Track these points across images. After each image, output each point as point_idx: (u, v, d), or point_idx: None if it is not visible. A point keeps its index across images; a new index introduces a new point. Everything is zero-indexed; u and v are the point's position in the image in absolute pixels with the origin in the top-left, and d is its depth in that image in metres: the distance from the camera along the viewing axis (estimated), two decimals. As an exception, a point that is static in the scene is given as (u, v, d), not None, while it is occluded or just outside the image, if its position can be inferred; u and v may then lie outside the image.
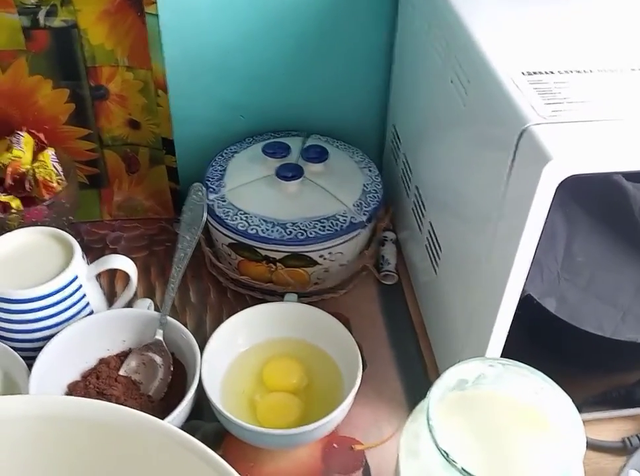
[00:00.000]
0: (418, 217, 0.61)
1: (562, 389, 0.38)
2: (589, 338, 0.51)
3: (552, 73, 0.42)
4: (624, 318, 0.56)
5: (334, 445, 0.53)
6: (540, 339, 0.52)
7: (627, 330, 0.55)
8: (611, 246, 0.62)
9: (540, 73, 0.42)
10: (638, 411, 0.54)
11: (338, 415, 0.49)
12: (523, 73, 0.42)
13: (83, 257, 0.54)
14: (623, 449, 0.52)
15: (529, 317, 0.46)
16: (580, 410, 0.37)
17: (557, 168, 0.36)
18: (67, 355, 0.52)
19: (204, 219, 0.56)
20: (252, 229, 0.59)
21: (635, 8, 0.50)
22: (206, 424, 0.53)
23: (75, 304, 0.53)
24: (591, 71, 0.42)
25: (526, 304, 0.46)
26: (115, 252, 0.69)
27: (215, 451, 0.36)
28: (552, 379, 0.38)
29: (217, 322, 0.58)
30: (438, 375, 0.57)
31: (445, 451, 0.34)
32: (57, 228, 0.56)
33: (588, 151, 0.36)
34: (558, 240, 0.57)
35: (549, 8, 0.50)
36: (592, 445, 0.52)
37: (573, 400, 0.37)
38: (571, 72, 0.42)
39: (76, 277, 0.53)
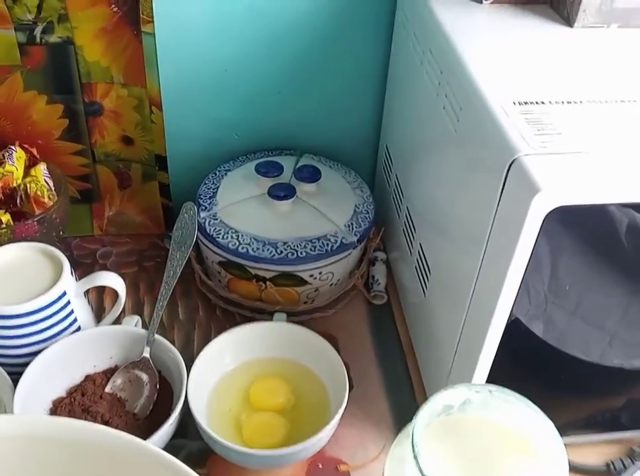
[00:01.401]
0: (408, 238, 0.62)
1: (548, 412, 0.38)
2: (576, 362, 0.51)
3: (542, 103, 0.43)
4: (611, 343, 0.56)
5: (319, 465, 0.53)
6: (526, 362, 0.52)
7: (614, 355, 0.55)
8: (598, 270, 0.63)
9: (531, 103, 0.43)
10: (623, 435, 0.54)
11: (324, 436, 0.49)
12: (514, 103, 0.43)
13: (72, 273, 0.54)
14: (607, 473, 0.52)
15: (516, 340, 0.46)
16: (565, 434, 0.37)
17: (546, 199, 0.36)
18: (53, 371, 0.52)
19: (194, 238, 0.56)
20: (242, 248, 0.59)
21: (625, 40, 0.51)
22: (191, 442, 0.53)
23: (62, 320, 0.53)
24: (581, 102, 0.43)
25: (513, 327, 0.46)
26: (105, 267, 0.69)
27: (200, 470, 0.36)
28: (537, 402, 0.39)
29: (206, 339, 0.58)
30: (425, 396, 0.58)
31: (429, 478, 0.34)
32: (47, 243, 0.56)
33: (577, 183, 0.37)
34: (544, 263, 0.57)
35: (540, 39, 0.51)
36: (576, 469, 0.52)
37: (558, 423, 0.37)
38: (561, 103, 0.43)
39: (64, 294, 0.53)
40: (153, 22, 0.59)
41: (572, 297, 0.60)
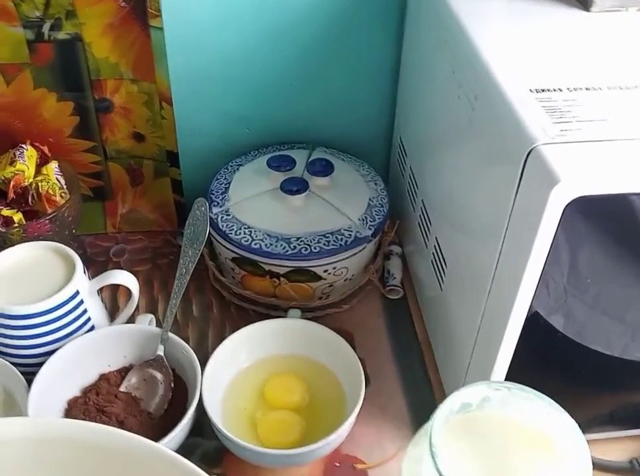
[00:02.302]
0: (423, 231, 0.61)
1: (569, 408, 0.37)
2: (597, 356, 0.50)
3: (560, 90, 0.41)
4: (633, 337, 0.55)
5: (336, 463, 0.53)
6: (546, 357, 0.51)
7: (636, 349, 0.53)
8: (617, 261, 0.61)
9: (548, 90, 0.41)
10: (647, 432, 0.53)
11: (340, 434, 0.48)
12: (531, 90, 0.41)
13: (85, 272, 0.54)
14: (631, 470, 0.51)
15: (535, 335, 0.45)
16: (587, 430, 0.36)
17: (565, 190, 0.35)
18: (67, 371, 0.52)
19: (206, 235, 0.55)
20: (255, 244, 0.58)
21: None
22: (206, 441, 0.53)
23: (76, 319, 0.53)
24: (600, 89, 0.42)
25: (533, 321, 0.45)
26: (118, 265, 0.68)
27: (216, 470, 0.35)
28: (558, 398, 0.38)
29: (220, 337, 0.57)
30: (443, 393, 0.57)
31: (447, 479, 0.33)
32: (60, 241, 0.55)
33: (597, 173, 0.36)
34: (562, 254, 0.56)
35: (557, 24, 0.50)
36: (598, 466, 0.51)
37: (580, 420, 0.36)
38: (580, 89, 0.41)
39: (77, 293, 0.52)
40: (160, 16, 0.58)
41: (592, 290, 0.59)
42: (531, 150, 0.37)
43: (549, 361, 0.51)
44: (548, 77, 0.43)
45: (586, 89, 0.42)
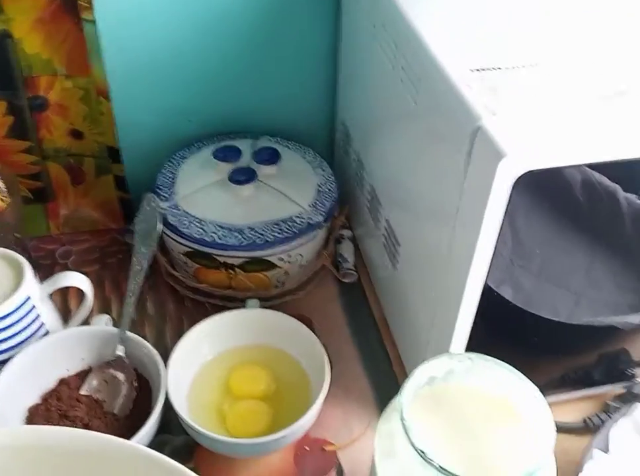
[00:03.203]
0: (374, 214, 0.62)
1: (525, 374, 0.39)
2: (546, 323, 0.52)
3: (499, 69, 0.43)
4: (578, 302, 0.58)
5: (306, 447, 0.53)
6: (501, 327, 0.53)
7: (582, 313, 0.56)
8: (558, 231, 0.64)
9: (488, 69, 0.43)
10: (597, 391, 0.56)
11: (308, 419, 0.49)
12: (471, 70, 0.43)
13: (34, 276, 0.52)
14: (585, 428, 0.54)
15: (488, 307, 0.47)
16: (542, 394, 0.38)
17: (512, 164, 0.36)
18: (25, 378, 0.50)
19: (159, 230, 0.55)
20: (208, 237, 0.58)
21: (574, 1, 0.52)
22: (175, 437, 0.53)
23: (29, 326, 0.51)
24: (538, 65, 0.43)
25: (485, 294, 0.47)
26: (65, 267, 0.67)
27: (187, 464, 0.35)
28: (514, 365, 0.39)
29: (178, 332, 0.57)
30: (403, 370, 0.58)
31: (422, 451, 0.35)
32: (4, 247, 0.53)
33: (541, 146, 0.37)
34: (505, 226, 0.58)
35: (491, 4, 0.51)
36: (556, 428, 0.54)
37: (536, 385, 0.38)
38: (519, 67, 0.43)
39: (28, 298, 0.51)
40: (92, 8, 0.57)
41: (537, 259, 0.61)
42: (476, 128, 0.39)
43: (504, 332, 0.53)
44: (486, 56, 0.44)
45: (523, 66, 0.43)
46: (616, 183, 0.62)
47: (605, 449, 0.49)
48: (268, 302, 0.61)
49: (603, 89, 0.41)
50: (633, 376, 0.55)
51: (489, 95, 0.41)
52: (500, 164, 0.37)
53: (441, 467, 0.34)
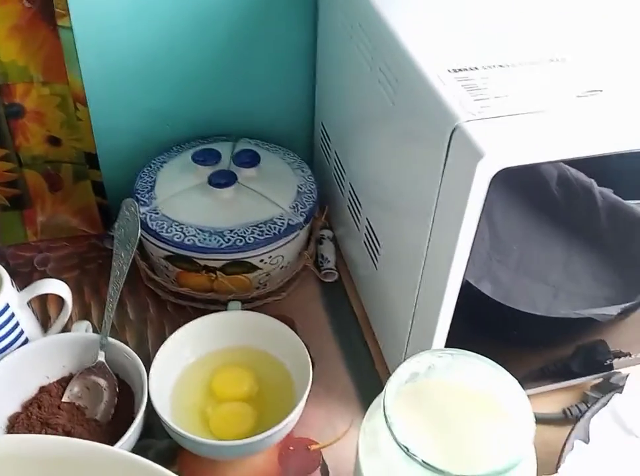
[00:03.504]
0: (354, 214, 0.62)
1: (505, 368, 0.39)
2: (525, 317, 0.53)
3: (477, 69, 0.43)
4: (556, 295, 0.59)
5: (290, 447, 0.53)
6: (480, 322, 0.54)
7: (560, 306, 0.57)
8: (535, 226, 0.65)
9: (465, 69, 0.43)
10: (575, 382, 0.57)
11: (292, 419, 0.49)
12: (449, 71, 0.43)
13: (13, 284, 0.52)
14: (565, 419, 0.55)
15: (468, 303, 0.48)
16: (522, 387, 0.39)
17: (490, 163, 0.37)
18: (5, 387, 0.50)
19: (139, 235, 0.55)
20: (188, 240, 0.58)
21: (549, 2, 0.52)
22: (158, 441, 0.52)
23: (8, 334, 0.51)
24: (513, 65, 0.44)
25: (465, 290, 0.47)
26: (44, 274, 0.66)
27: (171, 468, 0.35)
28: (494, 359, 0.40)
29: (160, 336, 0.56)
30: (385, 368, 0.59)
31: (405, 446, 0.35)
32: (-19, 255, 0.53)
33: (518, 145, 0.38)
34: (482, 222, 0.59)
35: (468, 5, 0.52)
36: (535, 418, 0.55)
37: (516, 377, 0.39)
38: (494, 67, 0.44)
39: (7, 306, 0.50)
40: (68, 14, 0.56)
41: (514, 254, 0.62)
42: (455, 128, 0.39)
43: (484, 327, 0.54)
44: (464, 56, 0.45)
45: (500, 66, 0.44)
46: (592, 178, 0.63)
47: (586, 440, 0.50)
48: (249, 304, 0.62)
49: (577, 88, 0.42)
50: (610, 366, 0.56)
51: (467, 95, 0.41)
52: (478, 164, 0.37)
53: (424, 462, 0.34)
